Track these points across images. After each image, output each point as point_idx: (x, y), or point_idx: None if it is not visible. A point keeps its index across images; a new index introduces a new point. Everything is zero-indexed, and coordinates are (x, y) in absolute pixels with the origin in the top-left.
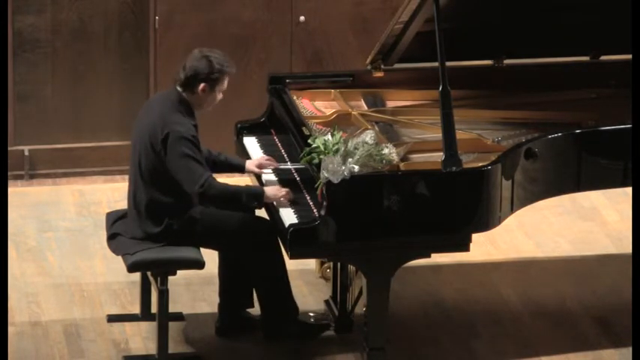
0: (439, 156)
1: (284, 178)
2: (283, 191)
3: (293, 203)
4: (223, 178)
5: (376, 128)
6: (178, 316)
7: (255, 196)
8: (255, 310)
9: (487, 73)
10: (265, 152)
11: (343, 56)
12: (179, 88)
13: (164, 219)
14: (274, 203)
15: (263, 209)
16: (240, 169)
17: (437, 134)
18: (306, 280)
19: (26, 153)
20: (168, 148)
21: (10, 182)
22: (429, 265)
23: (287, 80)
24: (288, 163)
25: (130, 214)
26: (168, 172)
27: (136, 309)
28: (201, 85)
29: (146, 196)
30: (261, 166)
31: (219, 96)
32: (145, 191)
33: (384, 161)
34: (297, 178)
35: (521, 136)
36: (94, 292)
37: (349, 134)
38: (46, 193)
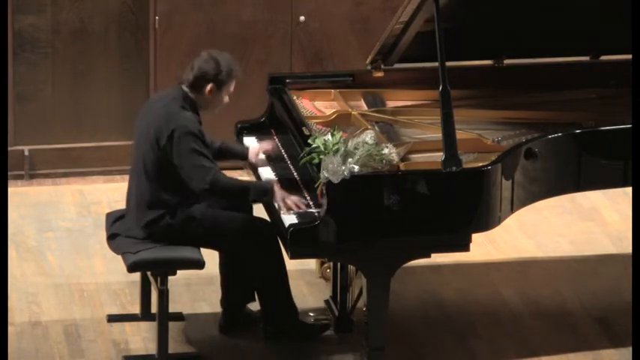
0: (439, 156)
1: (283, 178)
2: (294, 198)
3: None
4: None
5: (376, 128)
6: (178, 316)
7: (264, 192)
8: (257, 305)
9: (487, 73)
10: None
11: (343, 56)
12: (185, 88)
13: (165, 217)
14: (276, 206)
15: (263, 209)
16: (242, 157)
17: (437, 134)
18: (306, 280)
19: (26, 153)
20: (174, 143)
21: (10, 182)
22: (429, 265)
23: (287, 80)
24: (286, 158)
25: (130, 213)
26: (173, 168)
27: (136, 309)
28: (209, 86)
29: (150, 193)
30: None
31: (226, 99)
32: (149, 188)
33: (384, 161)
34: (297, 178)
35: (521, 136)
36: (94, 292)
37: (349, 134)
38: (46, 193)
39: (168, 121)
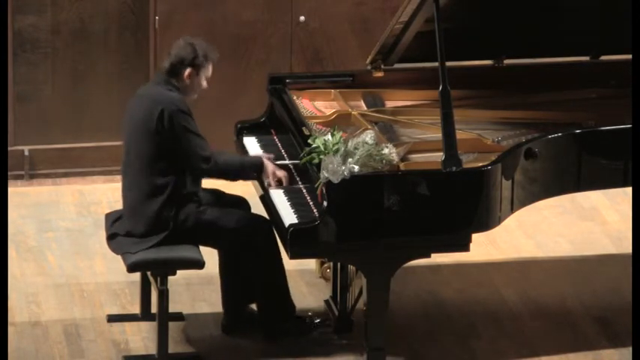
0: (439, 156)
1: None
2: (281, 173)
3: (289, 195)
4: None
5: (376, 128)
6: (178, 316)
7: (254, 166)
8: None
9: (487, 73)
10: (265, 152)
11: (343, 56)
12: (165, 75)
13: (166, 207)
14: (266, 183)
15: (263, 209)
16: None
17: (437, 134)
18: (306, 280)
19: (26, 153)
20: (166, 124)
21: (10, 182)
22: (429, 265)
23: (287, 80)
24: (286, 158)
25: (127, 210)
26: (167, 152)
27: (136, 309)
28: (187, 71)
29: (147, 183)
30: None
31: (204, 83)
32: (146, 177)
33: (384, 161)
34: (297, 178)
35: (521, 136)
36: (94, 292)
37: (349, 134)
38: (46, 193)
39: (155, 102)
